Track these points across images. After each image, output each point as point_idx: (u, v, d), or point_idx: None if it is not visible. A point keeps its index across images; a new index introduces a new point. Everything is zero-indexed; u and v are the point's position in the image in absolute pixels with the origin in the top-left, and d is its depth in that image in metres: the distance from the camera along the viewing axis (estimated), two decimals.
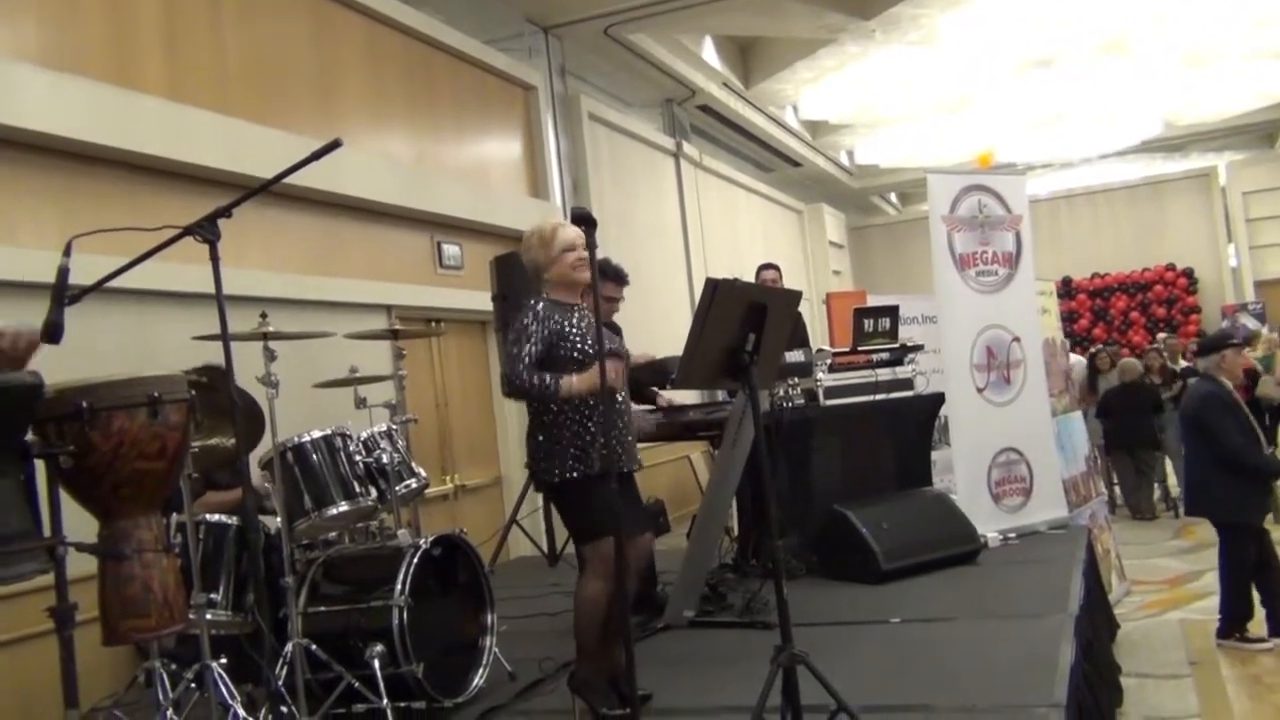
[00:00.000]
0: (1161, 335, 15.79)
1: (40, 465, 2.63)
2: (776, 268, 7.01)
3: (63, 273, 2.67)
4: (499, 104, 9.02)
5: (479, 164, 8.67)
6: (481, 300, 7.56)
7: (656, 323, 9.90)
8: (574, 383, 3.56)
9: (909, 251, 18.90)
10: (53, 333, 2.64)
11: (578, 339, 3.66)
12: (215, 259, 2.66)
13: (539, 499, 7.42)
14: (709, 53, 12.14)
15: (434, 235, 7.89)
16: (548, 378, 3.57)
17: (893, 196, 22.41)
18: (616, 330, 4.89)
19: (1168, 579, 7.78)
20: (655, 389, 5.76)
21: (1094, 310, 19.93)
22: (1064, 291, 19.27)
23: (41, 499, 2.61)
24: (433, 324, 7.75)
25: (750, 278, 6.93)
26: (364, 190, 6.90)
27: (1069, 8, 11.60)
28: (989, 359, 6.44)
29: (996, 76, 13.52)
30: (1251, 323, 16.78)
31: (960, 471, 6.35)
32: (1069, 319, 19.22)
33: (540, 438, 3.69)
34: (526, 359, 3.58)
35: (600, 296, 3.31)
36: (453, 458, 7.96)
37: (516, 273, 6.40)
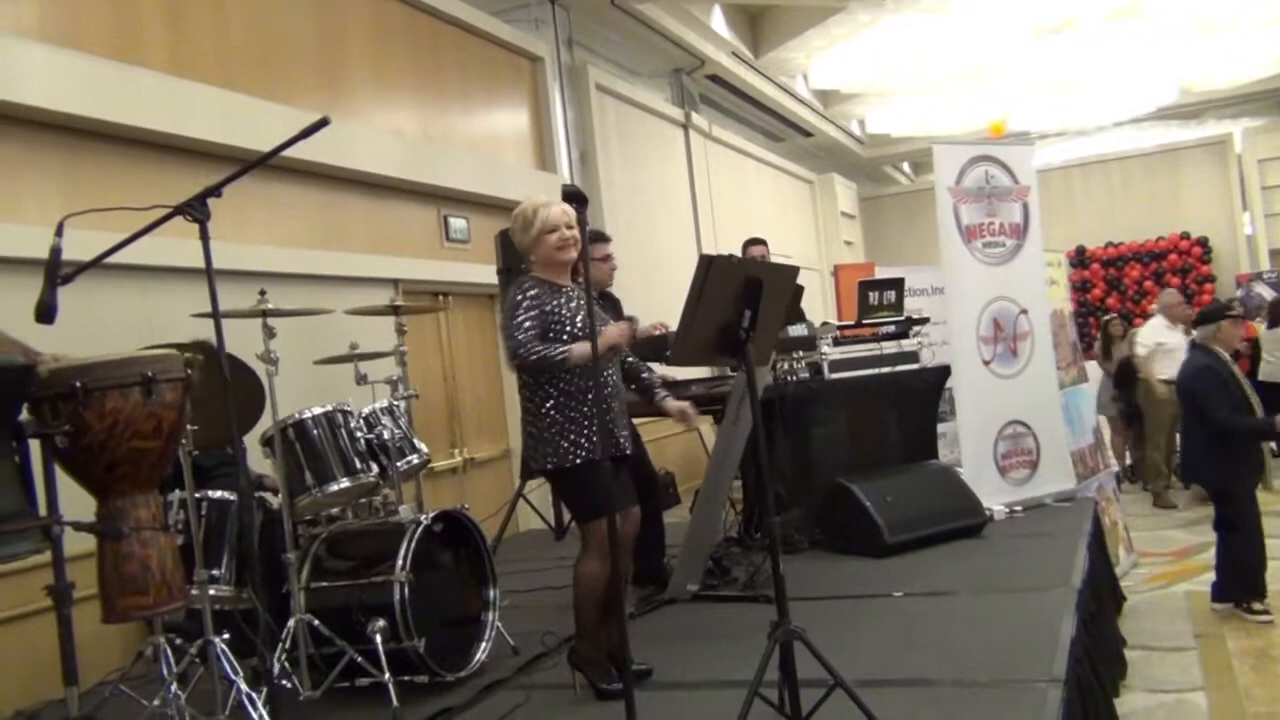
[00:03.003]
0: (1154, 307, 15.74)
1: (36, 445, 2.64)
2: (764, 242, 6.93)
3: (55, 252, 2.68)
4: (505, 76, 8.97)
5: (485, 137, 8.63)
6: (488, 274, 7.55)
7: (665, 295, 9.85)
8: (574, 350, 3.53)
9: (922, 222, 18.72)
10: (45, 313, 2.65)
11: (568, 321, 3.64)
12: (205, 238, 2.65)
13: None
14: (718, 22, 12.03)
15: (440, 209, 7.87)
16: (555, 347, 3.55)
17: (905, 166, 22.24)
18: (614, 301, 4.87)
19: (1175, 551, 7.76)
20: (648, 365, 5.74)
21: (1107, 280, 19.77)
22: (1077, 261, 19.14)
23: (38, 478, 2.62)
24: (439, 298, 7.76)
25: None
26: (369, 164, 6.87)
27: None
28: (996, 331, 6.41)
29: (1009, 43, 13.35)
30: (1267, 292, 16.64)
31: (966, 444, 6.34)
32: (1082, 288, 19.10)
33: (535, 425, 3.66)
34: (525, 328, 3.56)
35: (590, 265, 3.28)
36: (460, 431, 7.98)
37: None
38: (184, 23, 5.83)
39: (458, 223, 8.04)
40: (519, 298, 3.62)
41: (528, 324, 3.57)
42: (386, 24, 7.50)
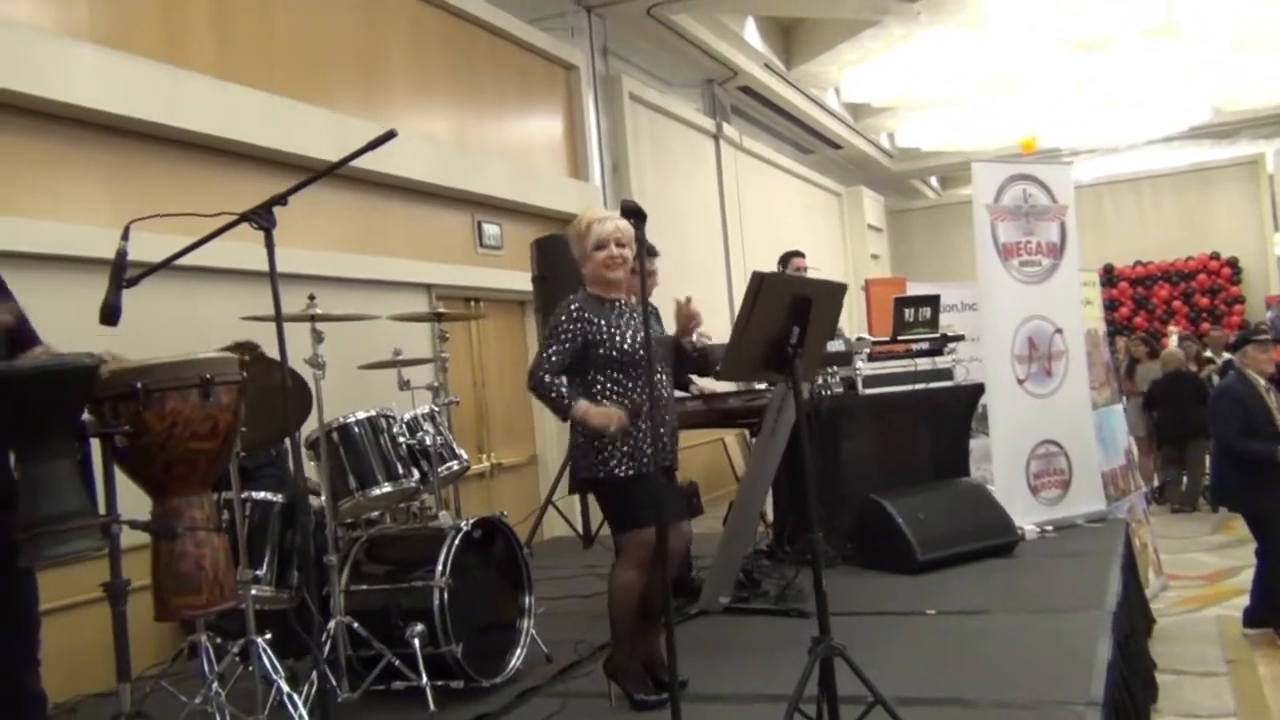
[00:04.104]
0: (1172, 327, 15.79)
1: (96, 444, 2.67)
2: (803, 255, 6.95)
3: (120, 255, 2.72)
4: (541, 84, 9.03)
5: (520, 144, 8.68)
6: (520, 280, 7.59)
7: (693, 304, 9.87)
8: (588, 413, 3.54)
9: (948, 236, 18.73)
10: (110, 315, 2.70)
11: (616, 337, 3.65)
12: (270, 245, 2.69)
13: None
14: (751, 34, 12.06)
15: (475, 215, 7.93)
16: (564, 390, 3.58)
17: (933, 180, 22.19)
18: (655, 314, 4.88)
19: (1205, 574, 7.72)
20: (692, 377, 5.75)
21: (1135, 299, 19.68)
22: (1106, 279, 19.05)
23: (97, 477, 2.66)
24: (472, 304, 7.81)
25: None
26: (406, 170, 6.93)
27: None
28: (1030, 350, 6.39)
29: (1042, 60, 13.33)
30: None
31: (998, 463, 6.32)
32: (1110, 307, 19.03)
33: (585, 435, 3.65)
34: (551, 359, 3.60)
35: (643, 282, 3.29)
36: (489, 437, 8.02)
37: (557, 254, 6.43)
38: (230, 27, 5.90)
39: (491, 229, 8.09)
40: (562, 319, 3.64)
41: (554, 356, 3.61)
42: (425, 31, 7.56)
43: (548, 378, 3.60)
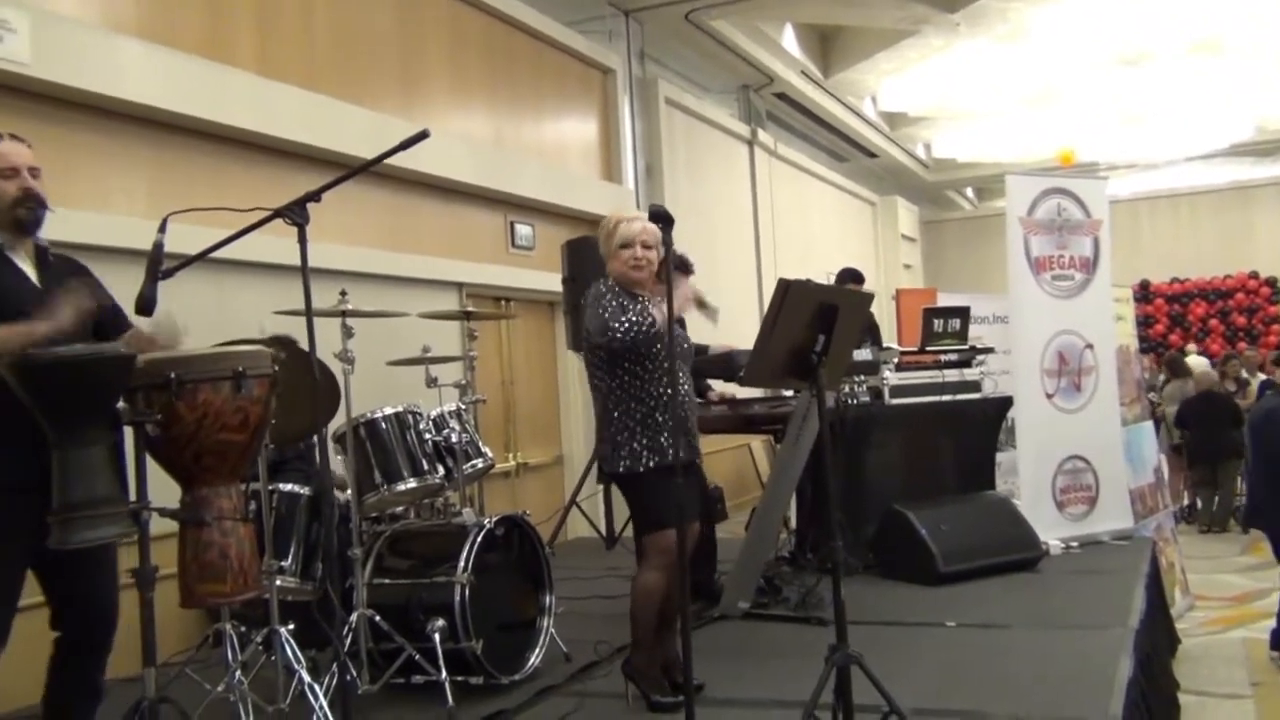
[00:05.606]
0: (1191, 346, 15.68)
1: (128, 432, 2.72)
2: (861, 280, 6.99)
3: (157, 248, 2.77)
4: (577, 86, 9.07)
5: (555, 146, 8.73)
6: (551, 281, 7.63)
7: (723, 311, 9.88)
8: (658, 316, 3.54)
9: (982, 248, 18.61)
10: (146, 305, 2.75)
11: None
12: (303, 242, 2.73)
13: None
14: (789, 41, 12.05)
15: (508, 215, 7.97)
16: (640, 313, 3.57)
17: (969, 191, 22.05)
18: (680, 320, 4.92)
19: (1233, 596, 7.64)
20: (708, 382, 5.76)
21: (1171, 316, 19.48)
22: (1141, 295, 18.88)
23: (128, 465, 2.71)
24: (502, 303, 7.86)
25: (820, 267, 6.92)
26: (441, 168, 6.98)
27: (1162, 3, 11.30)
28: (1060, 365, 6.36)
29: (1083, 73, 13.22)
30: None
31: (1025, 477, 6.29)
32: (1145, 323, 18.84)
33: (609, 428, 3.71)
34: (616, 312, 3.59)
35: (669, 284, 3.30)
36: (516, 436, 8.06)
37: (588, 256, 6.47)
38: (272, 25, 5.97)
39: (523, 229, 8.13)
40: (604, 291, 3.69)
41: (614, 308, 3.61)
42: (464, 32, 7.62)
43: (619, 321, 3.55)
